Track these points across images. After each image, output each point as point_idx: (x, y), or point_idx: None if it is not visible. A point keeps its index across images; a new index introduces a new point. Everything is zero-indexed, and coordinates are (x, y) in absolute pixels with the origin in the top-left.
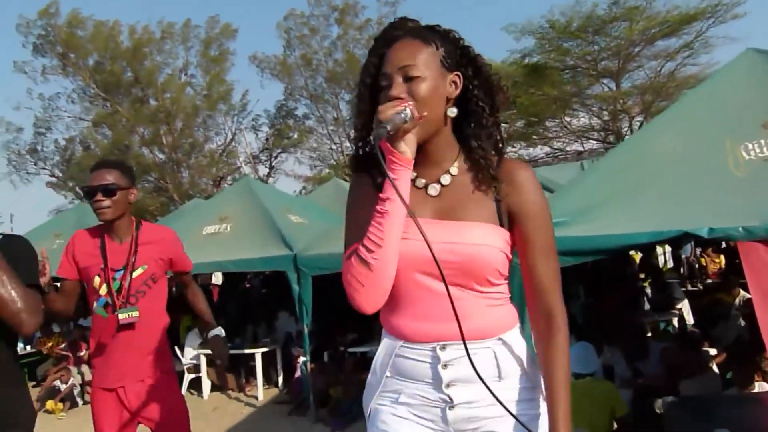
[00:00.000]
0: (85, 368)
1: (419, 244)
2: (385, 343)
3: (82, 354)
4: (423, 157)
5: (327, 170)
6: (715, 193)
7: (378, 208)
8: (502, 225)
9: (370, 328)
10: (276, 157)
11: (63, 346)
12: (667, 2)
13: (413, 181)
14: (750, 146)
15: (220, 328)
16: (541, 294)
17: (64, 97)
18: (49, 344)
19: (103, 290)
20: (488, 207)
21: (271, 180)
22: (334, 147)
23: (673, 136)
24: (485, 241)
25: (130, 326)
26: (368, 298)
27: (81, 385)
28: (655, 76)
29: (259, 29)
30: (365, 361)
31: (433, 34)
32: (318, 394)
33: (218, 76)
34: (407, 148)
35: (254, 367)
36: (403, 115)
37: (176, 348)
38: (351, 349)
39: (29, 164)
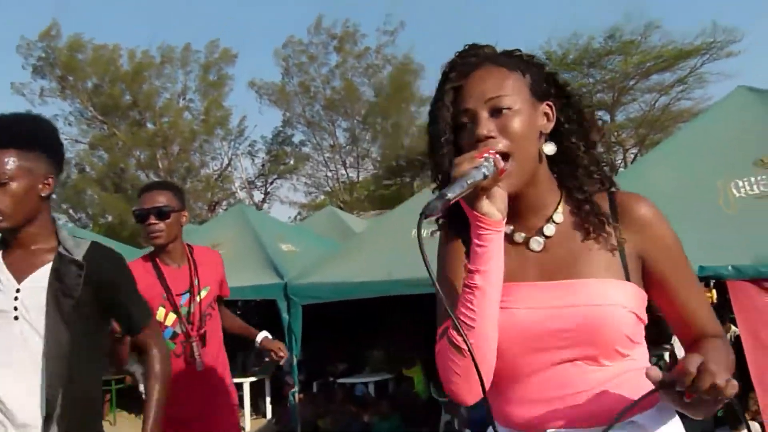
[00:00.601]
0: None
1: (525, 313)
2: None
3: None
4: (519, 204)
5: (322, 197)
6: (706, 230)
7: (467, 282)
8: (628, 278)
9: (362, 359)
10: (272, 183)
11: None
12: (663, 37)
13: (510, 236)
14: (741, 183)
15: (264, 331)
16: (703, 332)
17: (61, 119)
18: None
19: (170, 320)
20: (607, 257)
21: (266, 206)
22: (329, 174)
23: (665, 171)
24: (608, 299)
25: (200, 355)
26: (466, 388)
27: None
28: (650, 109)
29: (259, 55)
30: (354, 393)
31: (515, 60)
32: (306, 425)
33: (216, 101)
34: (492, 207)
35: (242, 396)
36: (483, 170)
37: None
38: (341, 380)
39: None
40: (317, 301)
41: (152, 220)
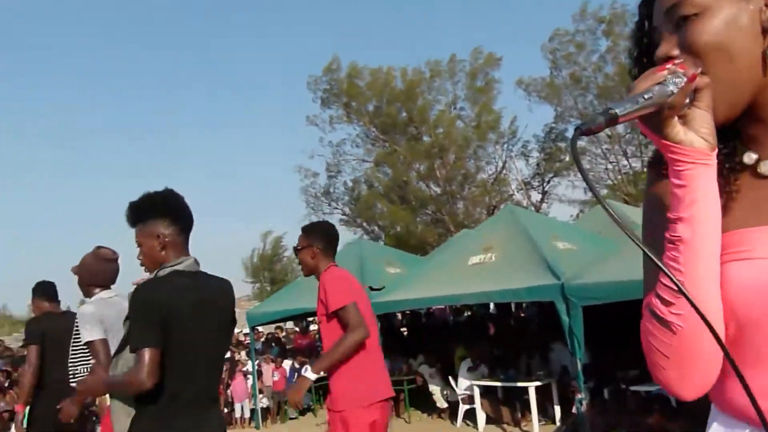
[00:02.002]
0: None
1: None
2: (717, 429)
3: None
4: (761, 127)
5: (604, 191)
6: None
7: (668, 235)
8: None
9: None
10: (548, 182)
11: None
12: None
13: (755, 166)
14: None
15: (309, 370)
16: None
17: (349, 142)
18: None
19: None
20: None
21: (544, 206)
22: (610, 167)
23: None
24: None
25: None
26: (679, 376)
27: None
28: None
29: (523, 54)
30: (650, 402)
31: None
32: None
33: (486, 105)
34: (691, 133)
35: (528, 400)
36: (670, 87)
37: (450, 378)
38: (633, 388)
39: (324, 205)
40: (597, 302)
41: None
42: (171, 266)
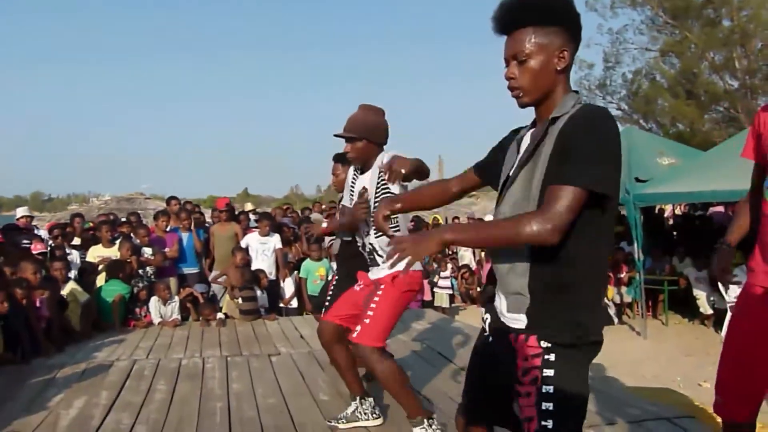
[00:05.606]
0: (624, 290)
1: None
2: None
3: (621, 276)
4: None
5: None
6: None
7: None
8: None
9: None
10: None
11: None
12: None
13: None
14: None
15: None
16: None
17: (631, 29)
18: None
19: None
20: None
21: None
22: None
23: None
24: None
25: None
26: None
27: (618, 305)
28: None
29: None
30: None
31: None
32: None
33: None
34: None
35: None
36: None
37: (719, 284)
38: None
39: (598, 99)
40: None
41: None
42: (579, 103)
